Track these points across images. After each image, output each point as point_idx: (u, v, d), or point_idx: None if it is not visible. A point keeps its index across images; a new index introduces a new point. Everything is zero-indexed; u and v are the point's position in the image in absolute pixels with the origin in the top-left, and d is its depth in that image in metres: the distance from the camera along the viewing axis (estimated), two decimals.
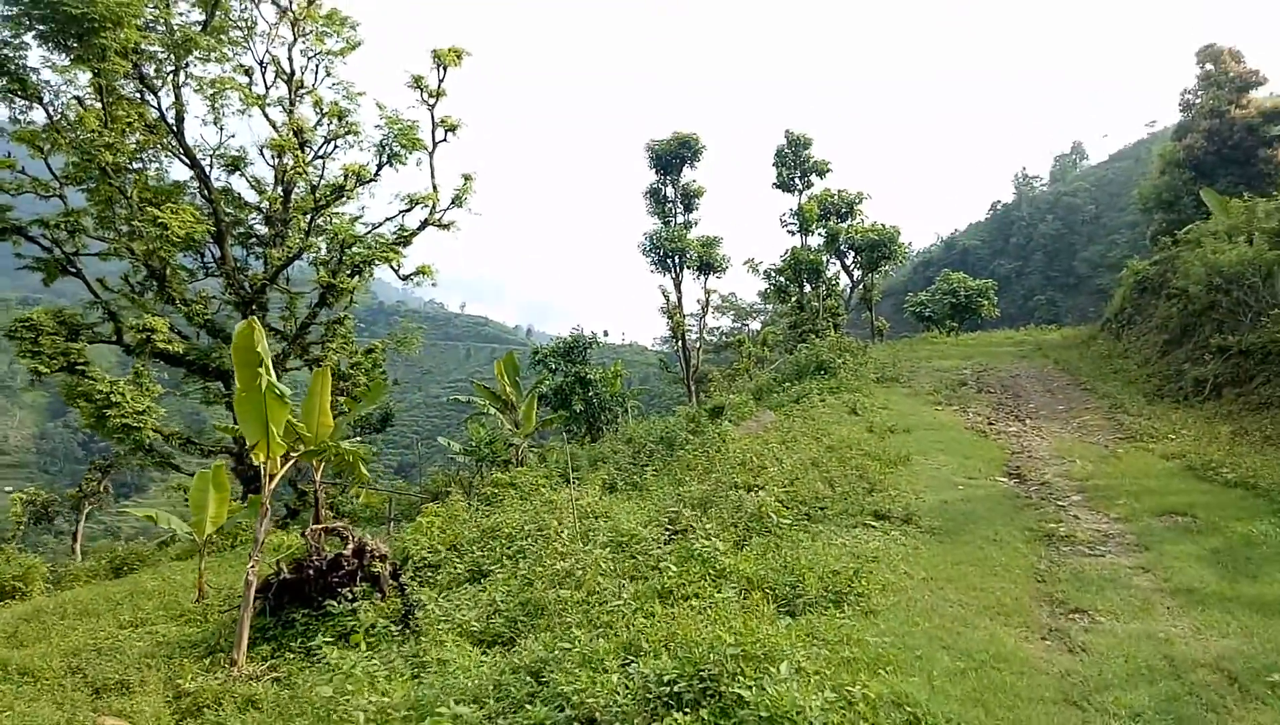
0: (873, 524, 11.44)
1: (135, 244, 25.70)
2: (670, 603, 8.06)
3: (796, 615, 7.81)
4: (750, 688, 5.62)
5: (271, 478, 14.20)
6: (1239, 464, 14.12)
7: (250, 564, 13.66)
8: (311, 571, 14.99)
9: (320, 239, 29.28)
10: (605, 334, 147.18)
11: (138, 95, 26.30)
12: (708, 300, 46.34)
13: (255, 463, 14.29)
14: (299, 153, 27.42)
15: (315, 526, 15.84)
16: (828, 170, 40.03)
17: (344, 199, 28.41)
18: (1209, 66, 42.05)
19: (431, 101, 30.26)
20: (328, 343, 29.77)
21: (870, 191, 42.12)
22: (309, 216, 27.62)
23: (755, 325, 72.82)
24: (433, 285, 32.45)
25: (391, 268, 30.19)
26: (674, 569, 8.42)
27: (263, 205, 29.02)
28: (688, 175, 43.17)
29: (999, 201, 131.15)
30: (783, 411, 21.55)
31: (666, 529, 12.98)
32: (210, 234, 27.46)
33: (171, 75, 26.13)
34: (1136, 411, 20.07)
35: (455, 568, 14.14)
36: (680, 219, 43.74)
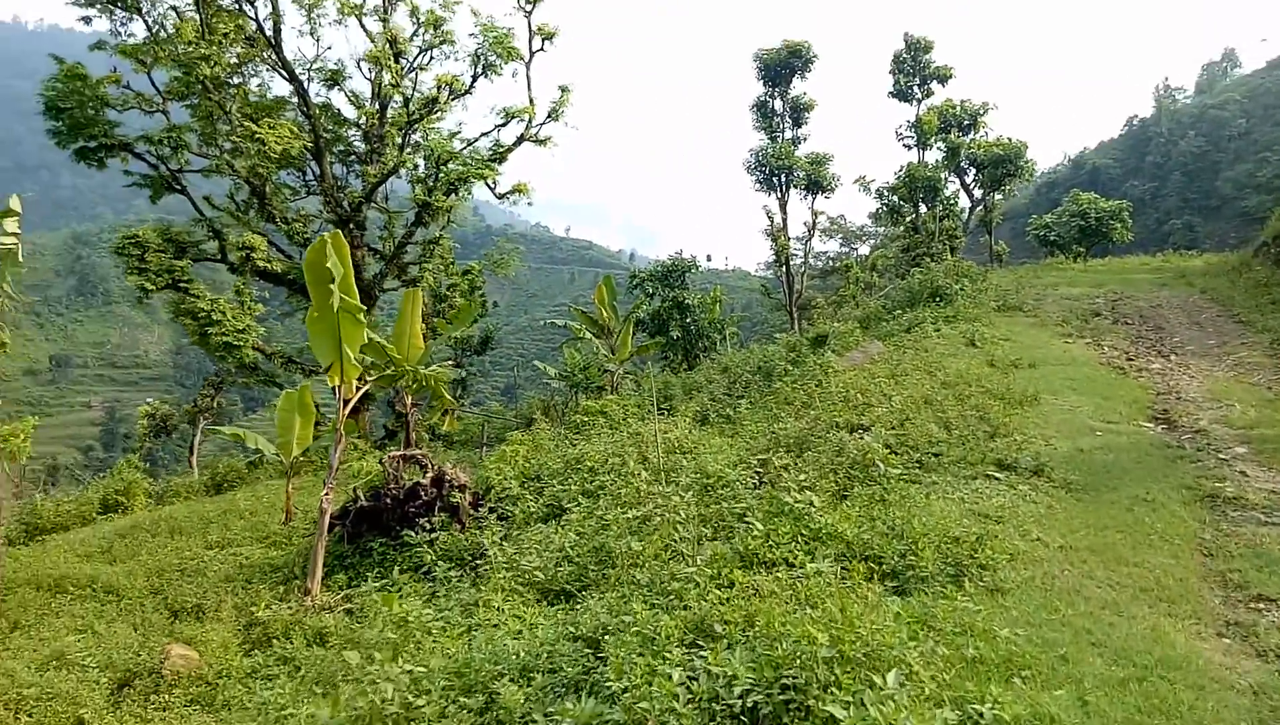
0: (996, 476, 9.85)
1: (237, 161, 25.40)
2: (754, 569, 6.81)
3: (906, 594, 6.45)
4: (847, 705, 4.35)
5: (346, 403, 13.51)
6: None
7: (324, 492, 13.10)
8: (389, 500, 14.40)
9: (417, 155, 28.43)
10: (709, 259, 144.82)
11: (235, 5, 25.66)
12: (814, 221, 43.91)
13: (331, 385, 13.64)
14: (393, 65, 26.41)
15: (394, 453, 15.21)
16: (950, 76, 36.64)
17: (438, 112, 27.37)
18: None
19: (528, 7, 28.72)
20: (424, 263, 29.17)
21: (996, 103, 38.61)
22: (403, 132, 26.69)
23: (864, 249, 69.51)
24: (529, 204, 31.41)
25: (488, 185, 29.20)
26: (760, 528, 7.15)
27: (360, 121, 28.29)
28: (798, 87, 40.46)
29: (1135, 116, 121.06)
30: (892, 342, 19.75)
31: (756, 473, 11.71)
32: (309, 150, 26.94)
33: None
34: None
35: (530, 504, 13.21)
36: (788, 134, 41.19)
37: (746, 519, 7.79)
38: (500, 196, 30.17)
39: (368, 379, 15.01)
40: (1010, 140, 37.01)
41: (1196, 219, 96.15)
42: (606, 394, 29.58)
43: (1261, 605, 6.65)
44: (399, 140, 26.71)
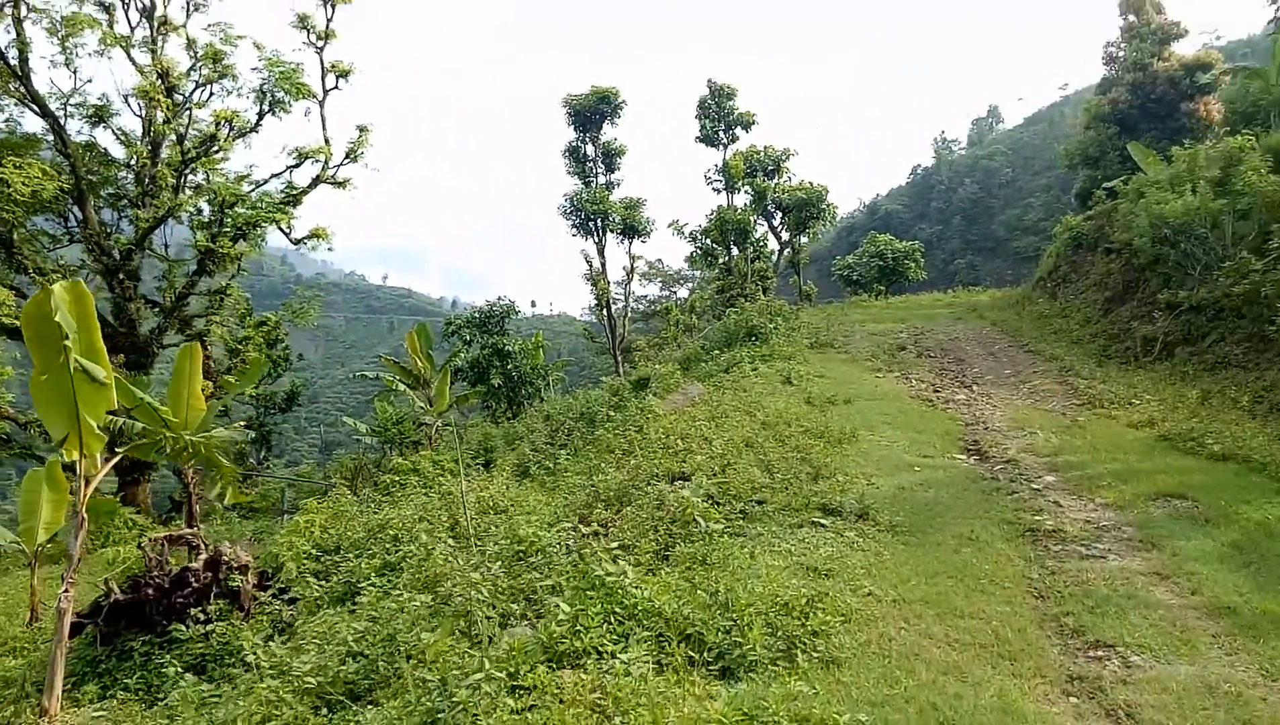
0: (822, 522, 9.22)
1: None
2: (561, 663, 5.69)
3: (735, 678, 5.51)
4: None
5: (87, 481, 11.36)
6: (1221, 433, 12.36)
7: (63, 588, 10.89)
8: (151, 590, 12.22)
9: (198, 198, 25.80)
10: (533, 304, 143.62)
11: None
12: (632, 265, 43.74)
13: (67, 460, 11.47)
14: (165, 100, 23.87)
15: (156, 535, 13.03)
16: (753, 122, 37.57)
17: (218, 151, 24.95)
18: (1131, 18, 40.86)
19: (320, 44, 26.95)
20: (211, 315, 26.43)
21: (797, 149, 39.96)
22: (179, 172, 24.12)
23: (683, 292, 70.55)
24: (329, 249, 29.26)
25: (281, 230, 26.92)
26: (566, 609, 6.05)
27: (131, 161, 25.42)
28: (609, 132, 40.36)
29: (919, 165, 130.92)
30: (712, 382, 19.32)
31: (572, 534, 10.64)
32: (68, 193, 23.86)
33: (9, 7, 22.34)
34: (1089, 374, 18.40)
35: (317, 586, 11.60)
36: (602, 179, 40.97)
37: (555, 596, 6.68)
38: (296, 242, 27.90)
39: (117, 451, 12.84)
40: (812, 185, 38.32)
41: (978, 258, 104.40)
42: (424, 448, 27.81)
43: (1100, 653, 6.18)
44: (173, 181, 24.07)
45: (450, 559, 9.95)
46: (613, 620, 6.08)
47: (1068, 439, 13.29)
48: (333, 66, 27.57)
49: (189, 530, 13.48)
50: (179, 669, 10.53)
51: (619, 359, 40.75)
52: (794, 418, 14.07)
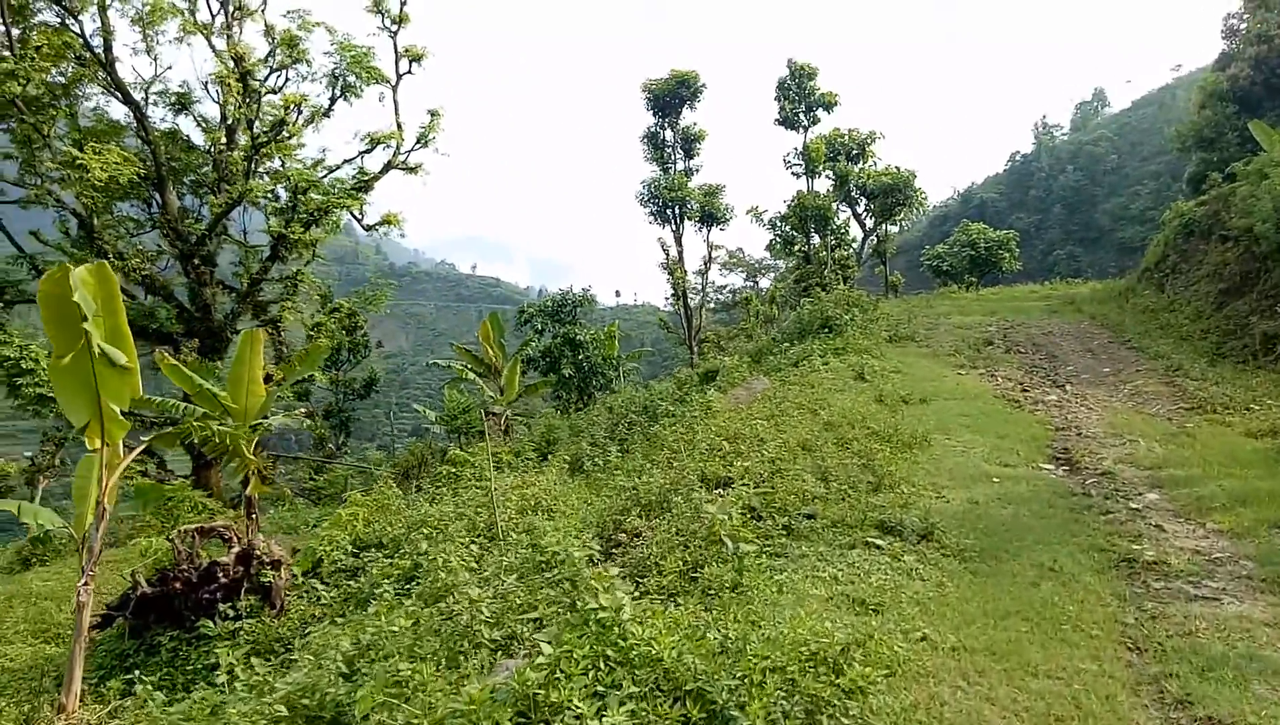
0: (878, 542, 7.98)
1: (63, 190, 22.42)
2: (531, 715, 4.71)
3: None
4: None
5: (110, 469, 10.92)
6: None
7: (81, 581, 10.48)
8: (179, 584, 11.79)
9: (273, 183, 25.75)
10: (617, 294, 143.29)
11: (59, 19, 22.77)
12: (710, 254, 42.67)
13: (90, 448, 11.04)
14: (237, 84, 23.79)
15: (186, 527, 12.59)
16: (835, 104, 35.72)
17: (288, 135, 24.79)
18: None
19: (393, 28, 26.55)
20: (285, 301, 26.40)
21: (884, 132, 37.95)
22: (249, 157, 24.03)
23: (766, 282, 68.76)
24: (401, 236, 29.01)
25: (354, 216, 26.71)
26: (548, 651, 5.06)
27: (209, 147, 25.54)
28: (687, 117, 39.29)
29: (1018, 152, 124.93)
30: (779, 376, 18.04)
31: (607, 542, 9.66)
32: (148, 179, 24.05)
33: None
34: (1199, 374, 16.45)
35: (320, 591, 11.01)
36: (680, 166, 39.90)
37: (542, 632, 5.69)
38: (368, 228, 27.68)
39: (143, 439, 12.42)
40: (899, 170, 36.34)
41: (1078, 249, 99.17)
42: (492, 437, 27.30)
43: None
44: (244, 167, 23.98)
45: (467, 567, 9.15)
46: (602, 666, 5.05)
47: (1174, 449, 11.62)
48: (406, 51, 27.20)
49: (222, 523, 12.99)
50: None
51: (694, 350, 39.66)
52: (861, 418, 12.74)
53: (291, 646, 10.00)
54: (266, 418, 18.37)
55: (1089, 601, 6.73)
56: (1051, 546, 7.93)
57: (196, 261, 24.02)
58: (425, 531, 12.13)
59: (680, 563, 7.52)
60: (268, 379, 18.48)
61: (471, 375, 30.52)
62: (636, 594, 7.04)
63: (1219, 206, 24.54)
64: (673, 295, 41.51)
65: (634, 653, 5.08)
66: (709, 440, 12.17)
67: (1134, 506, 9.25)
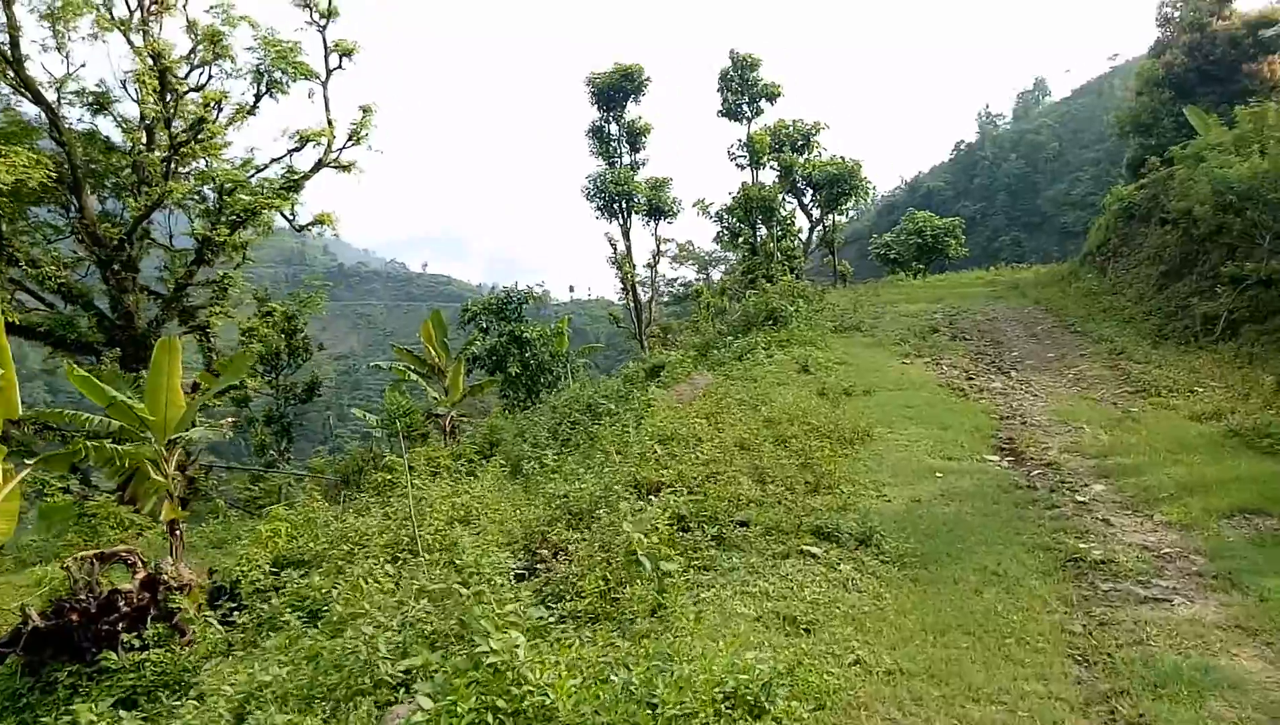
0: (813, 551, 7.44)
1: None
2: None
3: None
4: None
5: None
6: None
7: None
8: (76, 615, 10.89)
9: (198, 184, 24.57)
10: (571, 289, 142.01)
11: None
12: (659, 247, 42.11)
13: None
14: (153, 81, 22.57)
15: (83, 553, 11.67)
16: (779, 94, 35.30)
17: (208, 134, 23.60)
18: None
19: (322, 22, 25.50)
20: (214, 307, 25.24)
21: (828, 122, 37.65)
22: (167, 158, 22.85)
23: (718, 274, 68.36)
24: (335, 235, 28.03)
25: (284, 216, 25.65)
26: (428, 706, 4.42)
27: (128, 147, 24.27)
28: (632, 111, 38.61)
29: (962, 141, 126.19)
30: (722, 371, 17.52)
31: (532, 556, 9.03)
32: (64, 183, 22.76)
33: None
34: (1143, 357, 16.26)
35: (254, 610, 10.14)
36: (626, 159, 39.26)
37: (425, 681, 5.04)
38: (299, 229, 26.61)
39: (27, 463, 11.50)
40: (844, 160, 36.05)
41: (1023, 234, 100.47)
42: (435, 441, 26.44)
43: None
44: (163, 168, 22.76)
45: (382, 589, 8.47)
46: (490, 721, 4.40)
47: (1120, 435, 11.29)
48: (336, 46, 26.15)
49: (124, 548, 12.08)
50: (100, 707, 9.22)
51: (645, 344, 39.08)
52: (802, 413, 12.23)
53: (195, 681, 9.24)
54: (188, 430, 17.41)
55: (1034, 609, 6.25)
56: (995, 548, 7.46)
57: (116, 267, 22.79)
58: (345, 548, 11.39)
59: (601, 582, 6.89)
60: (193, 388, 17.54)
61: (414, 376, 29.61)
62: (553, 619, 6.42)
63: (1158, 190, 24.55)
64: (622, 289, 40.90)
65: (527, 702, 4.45)
66: (644, 442, 11.56)
67: (1080, 499, 8.84)
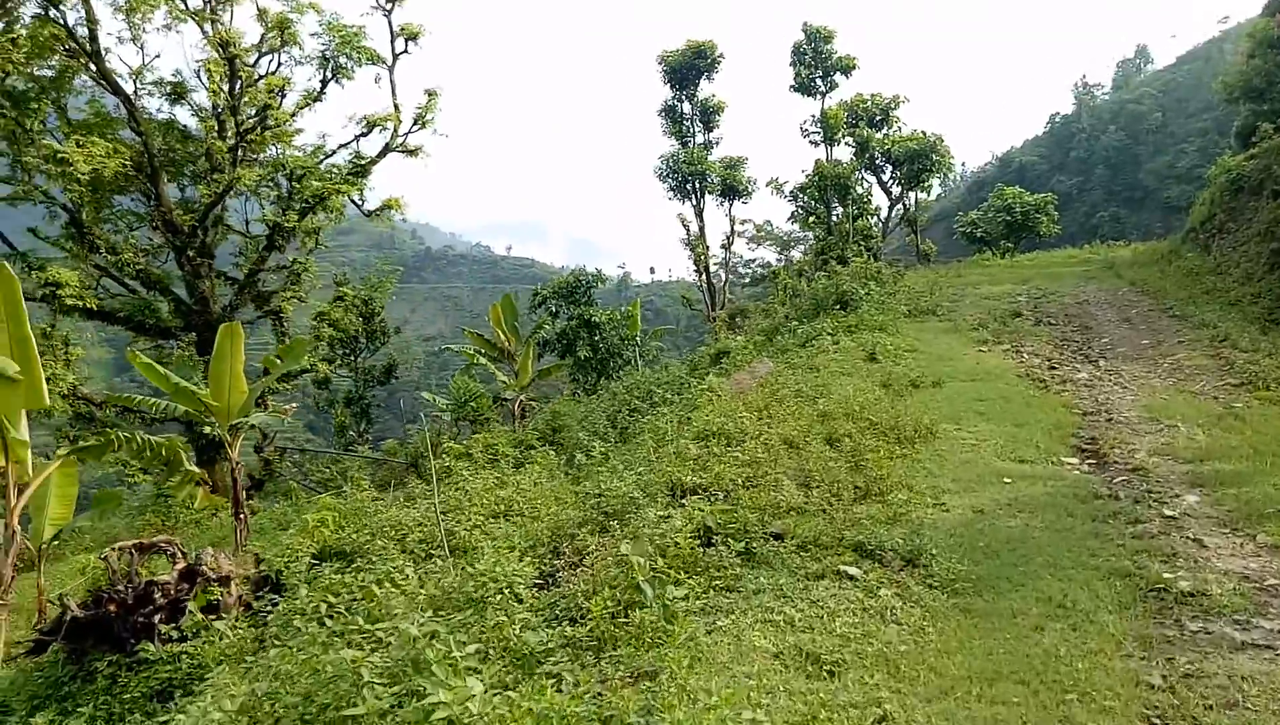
0: (850, 571, 6.57)
1: (50, 184, 21.64)
2: None
3: None
4: None
5: (20, 490, 9.91)
6: None
7: None
8: (114, 606, 10.79)
9: (271, 171, 24.71)
10: (652, 271, 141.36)
11: (41, 9, 21.86)
12: (733, 227, 41.02)
13: None
14: (219, 70, 22.69)
15: (122, 543, 11.58)
16: (854, 67, 33.57)
17: (273, 121, 23.60)
18: None
19: (388, 6, 25.23)
20: (285, 291, 25.43)
21: (908, 95, 35.76)
22: (234, 145, 22.93)
23: (799, 254, 66.59)
24: (403, 220, 27.96)
25: (353, 202, 25.61)
26: None
27: (203, 135, 24.56)
28: (705, 89, 37.62)
29: (1057, 114, 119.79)
30: (784, 359, 16.58)
31: (558, 557, 8.40)
32: (141, 171, 23.17)
33: None
34: (1249, 345, 14.60)
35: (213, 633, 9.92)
36: (699, 139, 38.31)
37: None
38: (368, 214, 26.54)
39: (59, 453, 11.41)
40: (925, 134, 34.22)
41: (1123, 211, 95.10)
42: (507, 424, 26.20)
43: None
44: (229, 155, 22.84)
45: (404, 589, 8.02)
46: None
47: (1219, 436, 9.99)
48: (402, 30, 25.88)
49: (164, 538, 11.95)
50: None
51: (714, 328, 38.16)
52: (862, 406, 11.26)
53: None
54: (249, 415, 17.42)
55: (1105, 652, 5.27)
56: (1064, 572, 6.46)
57: (191, 253, 23.09)
58: (380, 543, 11.00)
59: (612, 602, 6.19)
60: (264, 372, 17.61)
61: (483, 360, 29.42)
62: (555, 643, 5.77)
63: (1270, 160, 22.34)
64: (695, 271, 40.03)
65: None
66: (681, 440, 10.80)
67: (1169, 513, 7.71)
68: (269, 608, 11.08)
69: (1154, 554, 6.79)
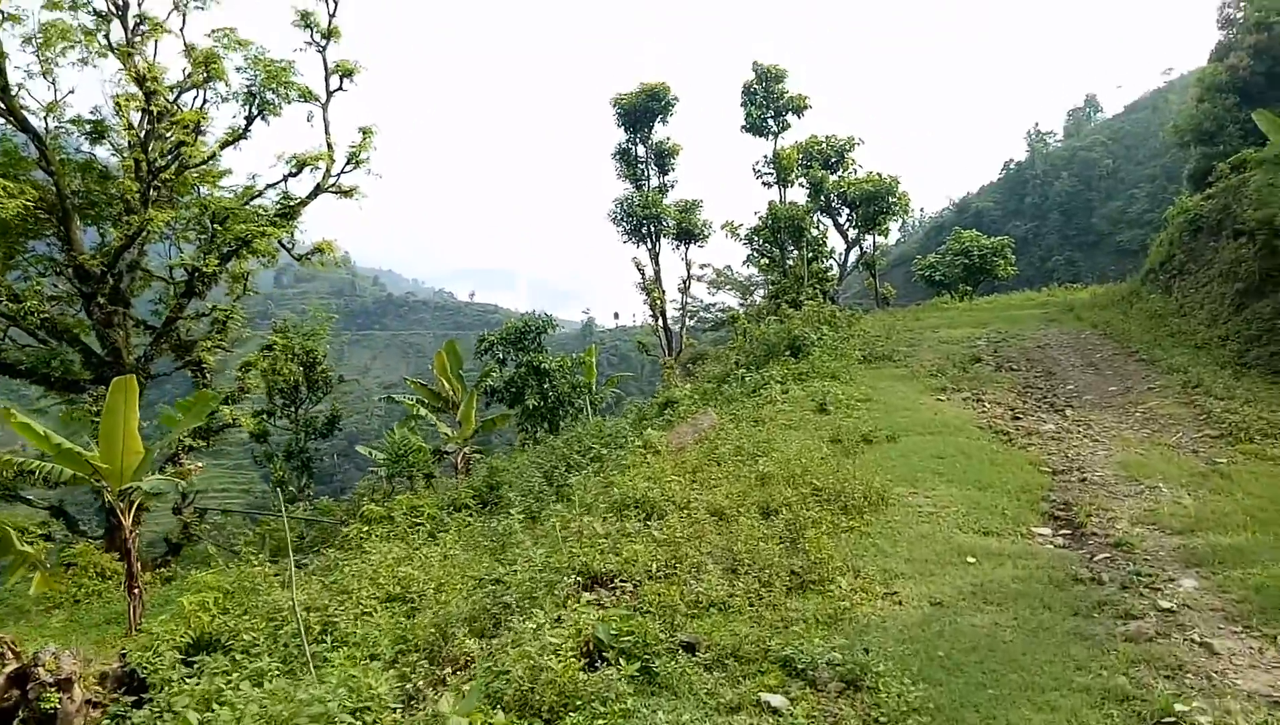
0: (774, 701, 5.05)
1: None
2: None
3: None
4: None
5: None
6: None
7: None
8: None
9: (195, 213, 23.09)
10: (616, 316, 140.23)
11: None
12: (689, 272, 39.93)
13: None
14: (129, 105, 21.14)
15: None
16: (806, 107, 32.67)
17: (190, 159, 21.98)
18: None
19: (322, 43, 23.95)
20: (207, 340, 23.63)
21: (863, 138, 35.06)
22: (144, 186, 21.27)
23: (760, 299, 65.75)
24: (337, 265, 26.34)
25: (282, 245, 24.03)
26: None
27: (119, 175, 22.91)
28: (660, 132, 36.69)
29: (1012, 160, 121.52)
30: (729, 410, 15.16)
31: (433, 662, 6.81)
32: (49, 214, 21.46)
33: None
34: (1224, 392, 13.44)
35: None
36: (654, 181, 37.31)
37: None
38: (299, 258, 24.94)
39: None
40: (881, 176, 33.40)
41: (1077, 254, 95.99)
42: (452, 478, 24.51)
43: None
44: (139, 195, 21.13)
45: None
46: None
47: (1208, 499, 8.68)
48: (337, 67, 24.59)
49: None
50: None
51: (677, 372, 36.82)
52: (806, 467, 9.81)
53: None
54: (141, 479, 15.71)
55: None
56: (1045, 696, 5.00)
57: (101, 301, 21.28)
58: (246, 638, 9.31)
59: None
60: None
61: (424, 411, 27.71)
62: None
63: (1229, 200, 21.56)
64: (650, 315, 38.78)
65: None
66: (606, 507, 9.28)
67: (1165, 605, 6.30)
68: (124, 714, 9.31)
69: (1155, 665, 5.36)
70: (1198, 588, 6.60)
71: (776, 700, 4.99)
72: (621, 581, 7.10)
